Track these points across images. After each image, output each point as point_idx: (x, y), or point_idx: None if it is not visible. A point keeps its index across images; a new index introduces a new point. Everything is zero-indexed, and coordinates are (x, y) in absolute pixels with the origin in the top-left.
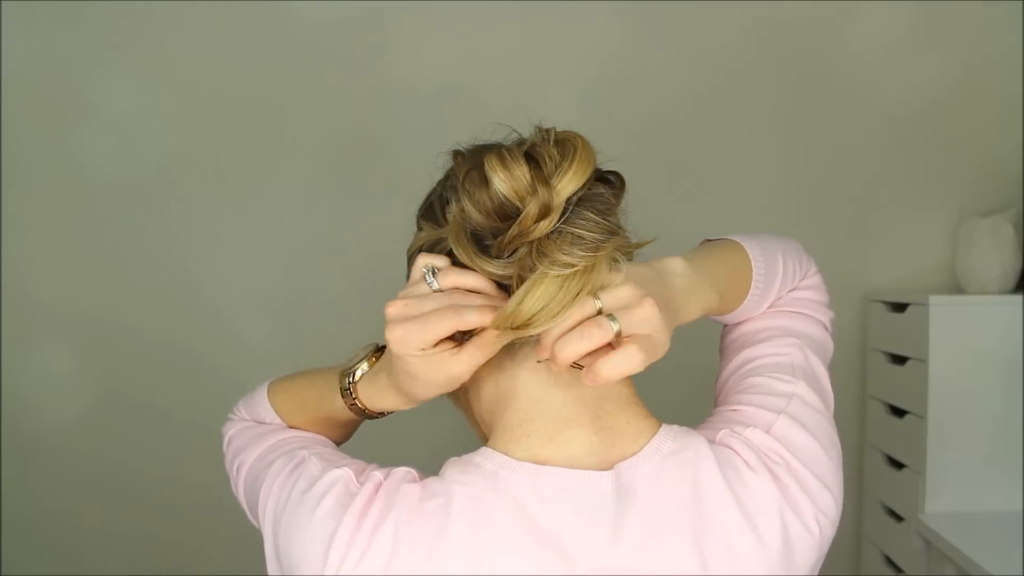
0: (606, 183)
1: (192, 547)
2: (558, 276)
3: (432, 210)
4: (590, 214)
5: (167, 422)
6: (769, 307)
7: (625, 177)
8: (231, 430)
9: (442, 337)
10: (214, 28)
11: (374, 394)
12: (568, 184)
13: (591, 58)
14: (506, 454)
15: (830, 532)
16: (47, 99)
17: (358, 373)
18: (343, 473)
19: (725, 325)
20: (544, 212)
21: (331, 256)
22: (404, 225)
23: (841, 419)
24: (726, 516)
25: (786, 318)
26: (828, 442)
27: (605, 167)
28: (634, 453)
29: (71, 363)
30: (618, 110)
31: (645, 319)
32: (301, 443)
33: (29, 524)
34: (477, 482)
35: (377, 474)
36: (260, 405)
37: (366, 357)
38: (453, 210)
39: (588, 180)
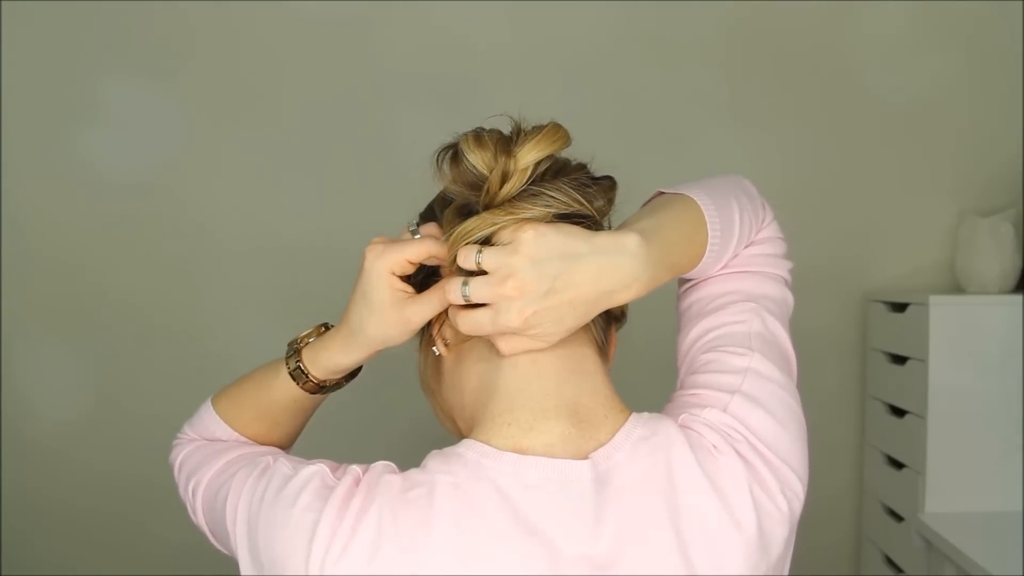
0: (596, 186)
1: (193, 547)
2: (489, 215)
3: (431, 211)
4: (561, 183)
5: (168, 422)
6: (725, 266)
7: (624, 175)
8: (180, 454)
9: (416, 260)
10: (215, 27)
11: (319, 351)
12: (528, 152)
13: (590, 56)
14: (487, 444)
15: (797, 506)
16: (47, 98)
17: (306, 339)
18: (318, 468)
19: (680, 286)
20: (505, 177)
21: (334, 256)
22: (406, 223)
23: (841, 419)
24: (701, 497)
25: (742, 280)
26: (787, 416)
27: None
28: (606, 442)
29: (72, 363)
30: (617, 109)
31: (489, 294)
32: (262, 452)
33: (29, 524)
34: (459, 471)
35: (355, 468)
36: (206, 417)
37: (315, 328)
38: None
39: (555, 151)
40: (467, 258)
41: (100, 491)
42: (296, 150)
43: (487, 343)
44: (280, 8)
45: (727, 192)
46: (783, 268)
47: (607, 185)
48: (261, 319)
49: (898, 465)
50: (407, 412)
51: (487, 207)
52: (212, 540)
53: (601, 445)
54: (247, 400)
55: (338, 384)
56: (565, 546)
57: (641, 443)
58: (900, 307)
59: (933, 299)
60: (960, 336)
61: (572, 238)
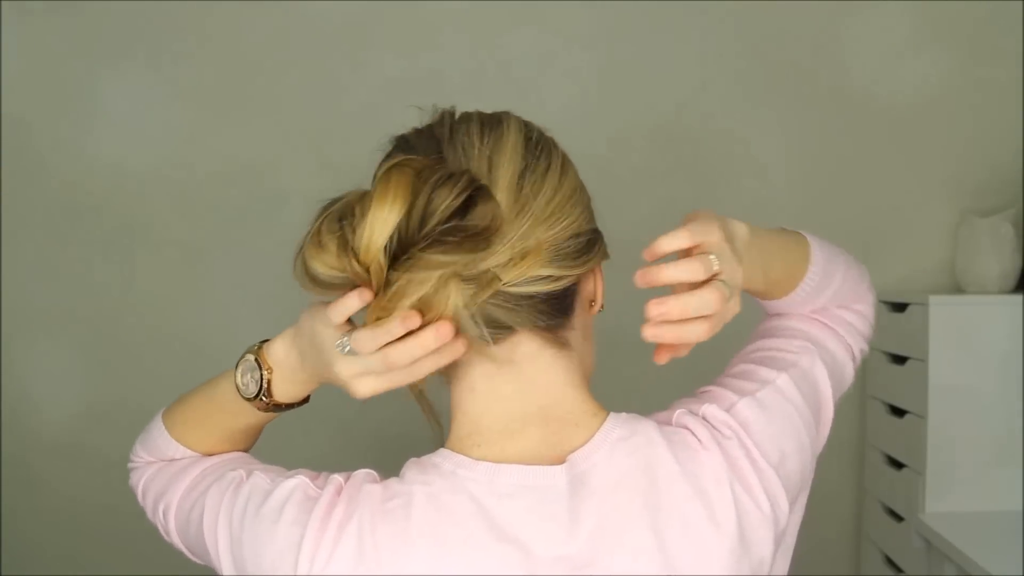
0: (457, 195)
1: None
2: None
3: None
4: (424, 247)
5: None
6: (811, 311)
7: (624, 177)
8: (141, 479)
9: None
10: (217, 26)
11: (296, 392)
12: (368, 246)
13: (591, 58)
14: (462, 454)
15: (781, 517)
16: (47, 98)
17: (264, 384)
18: (299, 481)
19: (767, 312)
20: (360, 277)
21: None
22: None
23: (841, 419)
24: (680, 496)
25: (817, 327)
26: (790, 433)
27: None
28: (584, 443)
29: (72, 362)
30: (618, 110)
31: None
32: (229, 466)
33: (29, 524)
34: (435, 481)
35: (337, 477)
36: (162, 443)
37: (261, 368)
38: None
39: (398, 219)
40: (707, 265)
41: (100, 491)
42: (298, 150)
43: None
44: (281, 6)
45: (840, 254)
46: (857, 344)
47: (469, 193)
48: (262, 316)
49: (898, 465)
50: (403, 411)
51: (376, 295)
52: (190, 556)
53: (579, 447)
54: (206, 425)
55: (304, 401)
56: (541, 550)
57: (620, 444)
58: (900, 307)
59: (933, 299)
60: (960, 336)
61: (722, 229)
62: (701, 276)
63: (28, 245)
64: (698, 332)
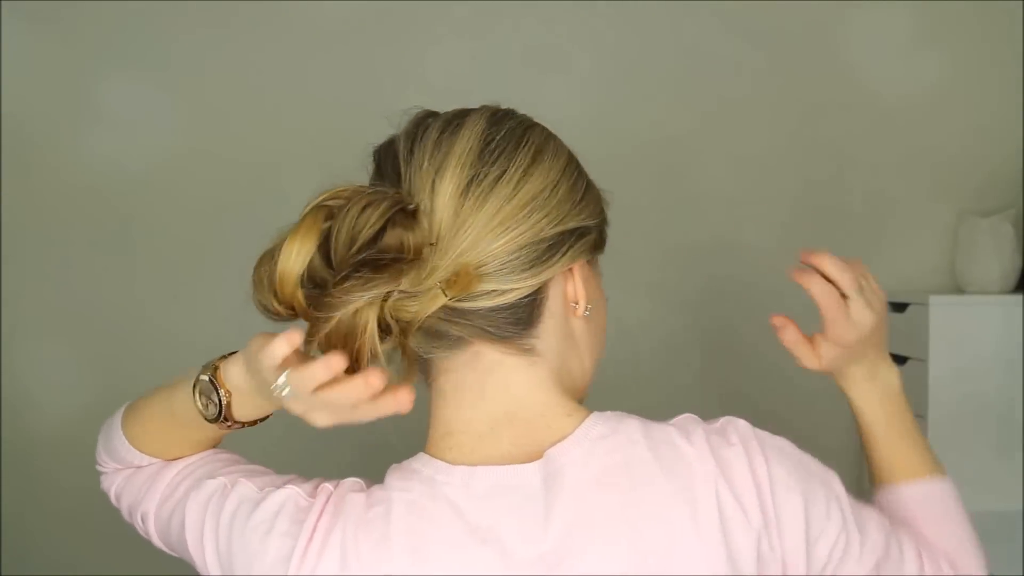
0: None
1: None
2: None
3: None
4: (340, 282)
5: None
6: (914, 521)
7: (624, 177)
8: (112, 485)
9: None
10: (217, 26)
11: (258, 412)
12: (282, 287)
13: (591, 61)
14: (439, 458)
15: (775, 533)
16: (48, 99)
17: (224, 406)
18: (289, 492)
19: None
20: (286, 311)
21: None
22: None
23: (841, 419)
24: (659, 495)
25: (910, 540)
26: (801, 489)
27: (598, 178)
28: (561, 440)
29: (72, 362)
30: (618, 113)
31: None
32: (203, 470)
33: (29, 523)
34: (415, 487)
35: (328, 486)
36: (125, 452)
37: (218, 390)
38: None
39: (307, 256)
40: (858, 291)
41: (100, 491)
42: (301, 151)
43: (420, 368)
44: (281, 6)
45: (968, 519)
46: None
47: (383, 224)
48: (261, 316)
49: None
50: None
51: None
52: (172, 553)
53: (555, 441)
54: (169, 438)
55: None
56: (518, 550)
57: (600, 441)
58: (900, 307)
59: (933, 299)
60: (960, 336)
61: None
62: (849, 285)
63: (28, 245)
64: (820, 288)
